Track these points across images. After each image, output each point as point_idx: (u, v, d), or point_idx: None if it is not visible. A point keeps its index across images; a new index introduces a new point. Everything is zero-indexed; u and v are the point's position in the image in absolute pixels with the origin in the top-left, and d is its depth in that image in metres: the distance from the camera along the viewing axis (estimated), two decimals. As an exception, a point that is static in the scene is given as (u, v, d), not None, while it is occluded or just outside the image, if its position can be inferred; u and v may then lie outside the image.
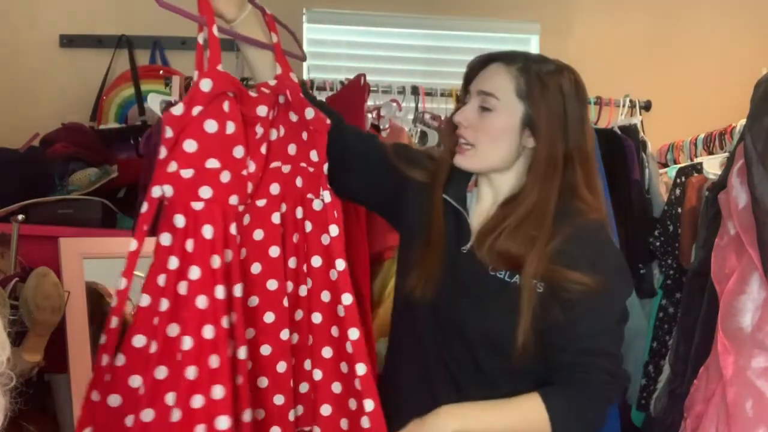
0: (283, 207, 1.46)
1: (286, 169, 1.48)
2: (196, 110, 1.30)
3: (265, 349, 1.41)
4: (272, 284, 1.42)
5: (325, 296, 1.47)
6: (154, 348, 1.30)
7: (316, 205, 1.49)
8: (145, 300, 1.31)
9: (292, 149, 1.49)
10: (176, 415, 1.25)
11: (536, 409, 1.29)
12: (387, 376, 1.55)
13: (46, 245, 1.80)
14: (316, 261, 1.48)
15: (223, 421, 1.26)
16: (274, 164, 1.46)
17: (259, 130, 1.42)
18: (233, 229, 1.36)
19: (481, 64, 1.44)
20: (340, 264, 1.46)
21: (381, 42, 2.90)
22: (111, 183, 2.20)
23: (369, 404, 1.40)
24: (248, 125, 1.39)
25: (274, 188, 1.45)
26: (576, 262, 1.30)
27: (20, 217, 1.72)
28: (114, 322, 1.32)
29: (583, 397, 1.32)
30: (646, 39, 3.05)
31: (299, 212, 1.48)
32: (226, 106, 1.33)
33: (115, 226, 2.15)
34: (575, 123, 1.38)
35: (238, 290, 1.34)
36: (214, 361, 1.27)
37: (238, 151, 1.36)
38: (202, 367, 1.26)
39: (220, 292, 1.30)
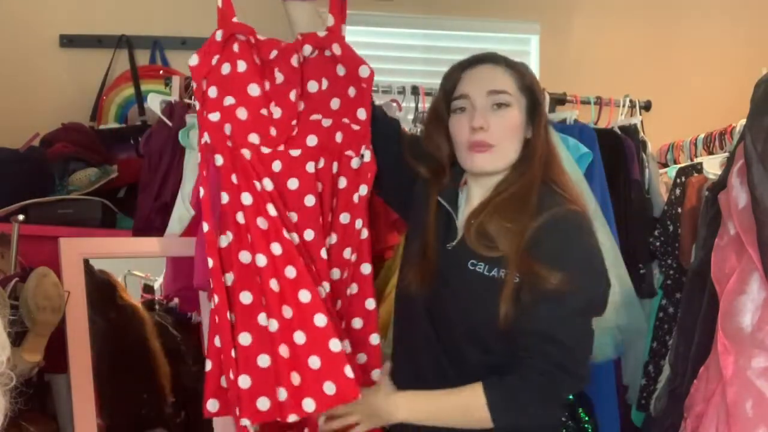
0: (321, 161, 1.49)
1: (326, 123, 1.50)
2: (215, 59, 1.42)
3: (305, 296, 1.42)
4: (309, 234, 1.46)
5: (347, 253, 1.50)
6: (231, 279, 1.39)
7: (354, 162, 1.52)
8: (224, 241, 1.42)
9: (335, 104, 1.51)
10: (273, 326, 1.34)
11: (477, 398, 1.30)
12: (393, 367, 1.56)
13: (46, 245, 1.80)
14: (345, 218, 1.50)
15: (320, 319, 1.34)
16: (314, 117, 1.49)
17: (279, 75, 1.47)
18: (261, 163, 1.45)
19: (461, 70, 1.47)
20: (359, 223, 1.50)
21: (381, 42, 2.89)
22: (111, 183, 2.20)
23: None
24: (265, 68, 1.46)
25: (311, 140, 1.48)
26: (542, 253, 1.32)
27: (20, 217, 1.73)
28: (209, 263, 1.41)
29: (523, 387, 1.30)
30: (646, 39, 3.04)
31: (335, 167, 1.50)
32: (235, 47, 1.44)
33: (115, 226, 2.15)
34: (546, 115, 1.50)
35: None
36: (290, 271, 1.36)
37: (253, 89, 1.45)
38: (281, 278, 1.35)
39: (272, 209, 1.39)
